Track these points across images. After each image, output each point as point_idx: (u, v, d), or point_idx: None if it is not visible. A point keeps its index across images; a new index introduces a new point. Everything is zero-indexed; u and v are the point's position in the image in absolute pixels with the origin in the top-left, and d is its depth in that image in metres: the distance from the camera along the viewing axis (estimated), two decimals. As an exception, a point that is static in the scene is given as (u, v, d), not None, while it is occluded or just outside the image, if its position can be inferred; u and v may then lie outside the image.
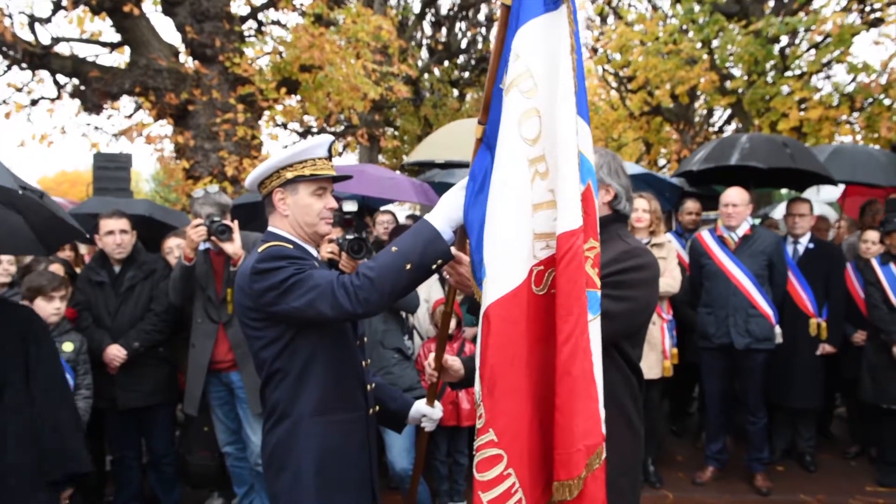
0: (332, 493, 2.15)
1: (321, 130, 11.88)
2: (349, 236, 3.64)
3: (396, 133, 13.06)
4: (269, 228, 2.31)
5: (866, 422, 5.38)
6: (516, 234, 1.99)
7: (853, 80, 9.58)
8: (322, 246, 3.65)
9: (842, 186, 6.94)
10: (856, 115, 9.44)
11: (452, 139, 5.99)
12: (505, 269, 1.97)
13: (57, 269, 4.44)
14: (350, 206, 3.79)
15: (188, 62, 7.16)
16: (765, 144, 5.58)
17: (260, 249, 2.18)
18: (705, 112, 14.45)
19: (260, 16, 8.55)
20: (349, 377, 2.25)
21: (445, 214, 2.05)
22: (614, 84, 15.10)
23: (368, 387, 2.33)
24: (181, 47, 7.33)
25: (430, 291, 4.80)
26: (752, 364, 4.74)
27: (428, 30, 14.14)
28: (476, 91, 15.15)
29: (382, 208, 5.46)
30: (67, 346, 3.91)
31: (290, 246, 2.20)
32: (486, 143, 2.13)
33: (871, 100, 9.09)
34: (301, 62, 7.21)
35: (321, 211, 2.27)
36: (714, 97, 10.98)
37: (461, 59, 14.18)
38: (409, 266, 1.98)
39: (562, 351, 1.87)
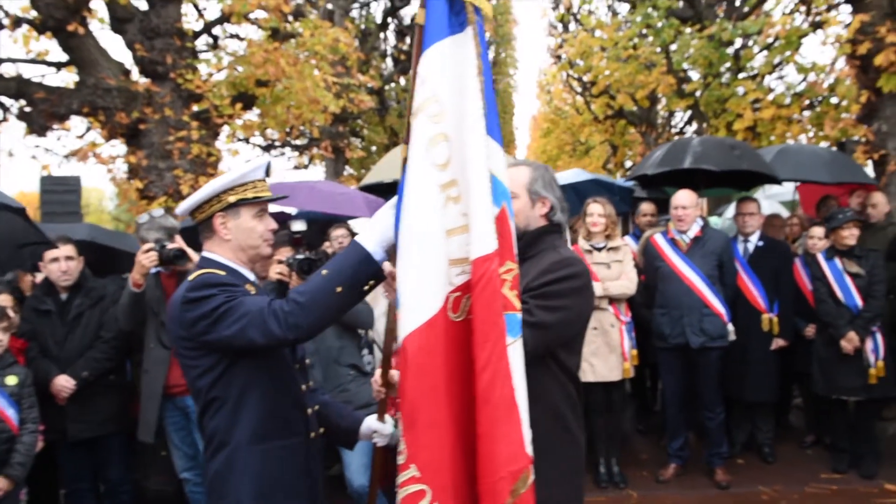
0: None
1: (284, 144, 11.87)
2: (299, 256, 3.64)
3: (363, 144, 13.05)
4: (204, 254, 2.26)
5: (819, 412, 5.53)
6: (430, 262, 1.95)
7: (803, 80, 9.85)
8: (271, 266, 3.64)
9: (793, 185, 7.12)
10: (806, 113, 9.68)
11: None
12: (420, 299, 1.94)
13: (4, 300, 4.31)
14: (299, 226, 3.80)
15: (140, 80, 7.07)
16: (715, 147, 5.69)
17: (191, 277, 2.15)
18: (667, 114, 14.68)
19: (216, 30, 8.52)
20: (287, 402, 2.22)
21: (376, 235, 2.02)
22: (578, 89, 15.29)
23: (309, 410, 2.31)
24: (132, 65, 7.25)
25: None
26: (707, 362, 4.83)
27: (392, 39, 14.17)
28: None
29: (341, 222, 5.46)
30: (11, 380, 3.73)
31: (223, 272, 2.17)
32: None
33: (819, 99, 9.33)
34: (256, 77, 7.18)
35: (263, 233, 2.26)
36: (672, 100, 11.18)
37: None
38: (339, 289, 1.96)
39: (480, 378, 1.85)
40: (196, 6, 7.78)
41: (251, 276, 2.32)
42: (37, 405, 3.86)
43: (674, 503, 4.68)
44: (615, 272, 4.85)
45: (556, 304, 2.22)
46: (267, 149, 11.34)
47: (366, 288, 2.02)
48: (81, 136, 7.71)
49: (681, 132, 14.30)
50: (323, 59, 8.00)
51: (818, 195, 6.67)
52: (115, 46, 7.51)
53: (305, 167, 11.26)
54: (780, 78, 11.43)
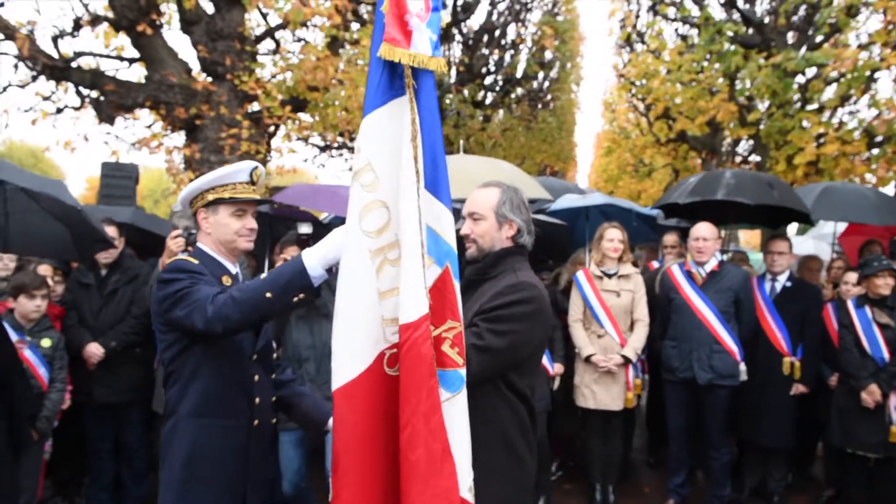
0: (193, 486, 2.31)
1: (341, 146, 12.19)
2: None
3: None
4: (197, 243, 2.52)
5: (836, 465, 5.28)
6: (362, 322, 2.04)
7: (877, 116, 9.41)
8: (277, 265, 3.84)
9: (842, 225, 6.85)
10: (875, 151, 9.26)
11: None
12: (349, 356, 2.03)
13: (45, 269, 4.71)
14: (305, 228, 3.97)
15: (200, 79, 7.47)
16: (750, 181, 5.55)
17: (170, 260, 2.42)
18: (731, 142, 14.30)
19: (281, 34, 8.86)
20: (233, 387, 2.40)
21: (321, 252, 2.16)
22: (642, 109, 15.08)
23: (258, 399, 2.46)
24: (195, 64, 7.67)
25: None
26: (714, 399, 4.72)
27: (457, 51, 14.35)
28: (507, 113, 15.30)
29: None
30: (45, 342, 4.19)
31: (196, 261, 2.40)
32: None
33: (887, 137, 8.90)
34: (306, 83, 7.47)
35: (239, 230, 2.46)
36: (734, 128, 10.89)
37: (488, 79, 14.33)
38: (269, 294, 2.13)
39: (402, 436, 1.93)
40: (261, 11, 8.11)
41: (232, 269, 2.52)
42: (66, 367, 4.27)
43: (667, 540, 4.59)
44: (625, 301, 4.81)
45: (506, 328, 2.26)
46: (324, 149, 11.68)
47: (294, 300, 2.16)
48: (149, 126, 8.19)
49: (745, 161, 13.88)
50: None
51: (860, 237, 6.40)
52: (185, 46, 7.94)
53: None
54: (852, 114, 11.00)
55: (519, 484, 2.39)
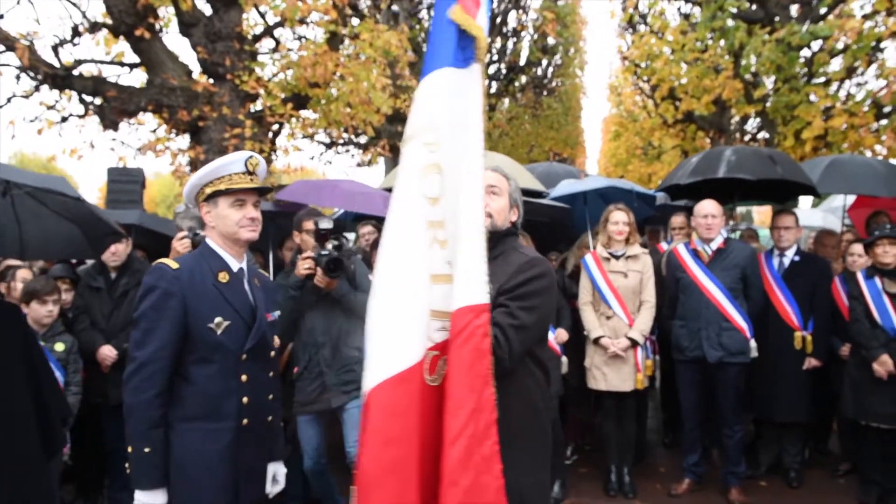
0: (184, 491, 2.36)
1: (348, 142, 12.22)
2: (324, 252, 3.85)
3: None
4: (205, 239, 2.57)
5: (851, 438, 5.24)
6: (410, 305, 1.73)
7: (885, 86, 9.28)
8: (299, 262, 3.91)
9: (851, 197, 6.78)
10: (883, 122, 9.13)
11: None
12: (394, 346, 1.70)
13: (24, 273, 4.67)
14: (325, 224, 4.01)
15: (200, 80, 7.51)
16: (751, 157, 5.51)
17: (156, 262, 2.45)
18: (739, 120, 14.16)
19: (280, 32, 8.89)
20: (219, 390, 2.42)
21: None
22: (648, 92, 14.97)
23: (245, 399, 2.46)
24: (196, 66, 7.71)
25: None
26: (725, 377, 4.70)
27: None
28: (512, 102, 15.26)
29: (369, 219, 5.65)
30: (59, 347, 4.25)
31: (176, 265, 2.43)
32: None
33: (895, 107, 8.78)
34: (306, 79, 7.49)
35: (240, 220, 2.49)
36: (740, 105, 10.78)
37: (491, 68, 14.29)
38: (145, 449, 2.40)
39: (449, 455, 1.59)
40: (258, 10, 8.13)
41: (234, 264, 2.55)
42: (80, 371, 4.33)
43: (683, 519, 4.60)
44: (633, 281, 4.80)
45: (534, 303, 2.31)
46: (330, 146, 11.72)
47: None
48: (154, 131, 8.25)
49: (753, 138, 13.75)
50: (375, 62, 8.22)
51: (868, 209, 6.33)
52: (184, 49, 8.00)
53: (368, 164, 11.58)
54: (860, 85, 10.85)
55: (543, 450, 2.45)
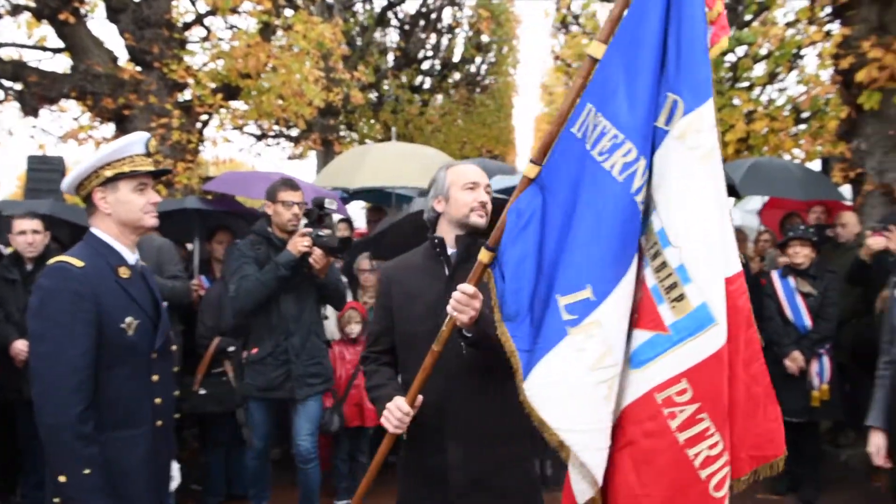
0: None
1: (279, 134, 12.00)
2: (321, 233, 3.80)
3: (356, 137, 13.16)
4: (91, 230, 2.34)
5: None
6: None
7: (804, 92, 9.74)
8: (295, 239, 3.80)
9: (764, 198, 7.11)
10: (802, 126, 9.60)
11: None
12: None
13: None
14: (330, 204, 3.94)
15: (127, 68, 7.24)
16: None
17: (52, 261, 2.25)
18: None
19: (212, 21, 8.64)
20: (133, 393, 2.28)
21: None
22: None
23: (158, 399, 2.36)
24: (122, 53, 7.44)
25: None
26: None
27: (394, 35, 14.24)
28: (445, 98, 15.25)
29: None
30: None
31: (81, 263, 2.22)
32: (539, 184, 2.01)
33: (813, 113, 9.24)
34: (237, 70, 7.32)
35: (144, 206, 2.33)
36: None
37: (425, 64, 14.29)
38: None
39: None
40: (189, -3, 7.90)
41: (130, 257, 2.37)
42: None
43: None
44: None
45: None
46: (260, 138, 11.48)
47: None
48: (77, 119, 7.89)
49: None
50: (308, 54, 8.10)
51: (780, 210, 6.66)
52: (111, 35, 7.67)
53: (299, 157, 11.39)
54: (781, 90, 11.37)
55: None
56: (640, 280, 1.88)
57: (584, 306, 1.83)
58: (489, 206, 2.45)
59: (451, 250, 2.46)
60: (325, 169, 7.25)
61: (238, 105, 8.40)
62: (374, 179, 6.17)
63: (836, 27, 7.41)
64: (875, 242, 4.84)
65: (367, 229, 7.41)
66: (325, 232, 3.81)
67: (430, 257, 2.49)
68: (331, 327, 4.98)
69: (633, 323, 1.87)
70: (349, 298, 5.12)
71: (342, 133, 12.36)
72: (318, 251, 3.79)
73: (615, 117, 1.87)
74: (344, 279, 5.30)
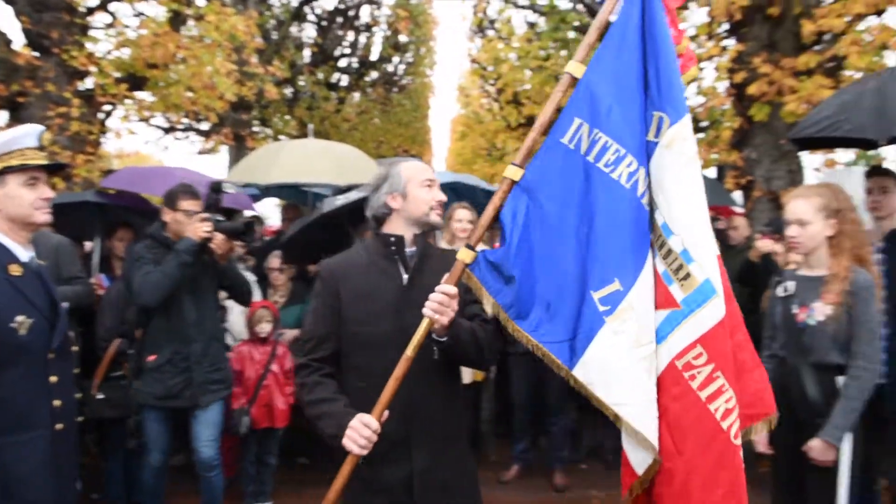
0: None
1: (188, 128, 11.62)
2: (220, 218, 3.69)
3: (270, 133, 12.91)
4: None
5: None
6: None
7: (703, 103, 10.30)
8: (195, 225, 3.66)
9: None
10: (700, 135, 10.14)
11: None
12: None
13: None
14: (228, 188, 3.81)
15: (23, 52, 6.84)
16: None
17: None
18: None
19: (118, 8, 8.30)
20: (29, 396, 2.20)
21: None
22: (494, 95, 15.52)
23: (56, 402, 2.28)
24: (18, 37, 7.01)
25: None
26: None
27: (311, 31, 14.05)
28: (362, 96, 15.18)
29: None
30: None
31: None
32: (524, 187, 2.21)
33: (710, 122, 9.78)
34: (144, 59, 7.05)
35: (34, 201, 2.25)
36: (578, 114, 11.47)
37: (342, 62, 14.18)
38: None
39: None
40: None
41: (23, 254, 2.28)
42: None
43: (509, 504, 4.87)
44: (472, 279, 4.99)
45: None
46: (168, 131, 11.07)
47: None
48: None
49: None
50: (220, 46, 7.89)
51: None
52: (5, 17, 7.20)
53: (209, 152, 11.06)
54: (685, 100, 11.92)
55: None
56: (652, 269, 2.21)
57: (615, 297, 2.14)
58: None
59: (408, 249, 2.36)
60: (238, 164, 7.08)
61: (144, 96, 8.08)
62: (289, 175, 6.07)
63: (731, 43, 7.87)
64: (763, 245, 5.18)
65: (283, 227, 7.31)
66: (222, 218, 3.73)
67: (384, 256, 2.35)
68: (238, 326, 4.90)
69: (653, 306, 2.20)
70: (258, 297, 5.06)
71: (255, 128, 12.09)
72: (219, 236, 3.71)
73: (615, 134, 2.20)
74: (254, 277, 5.23)
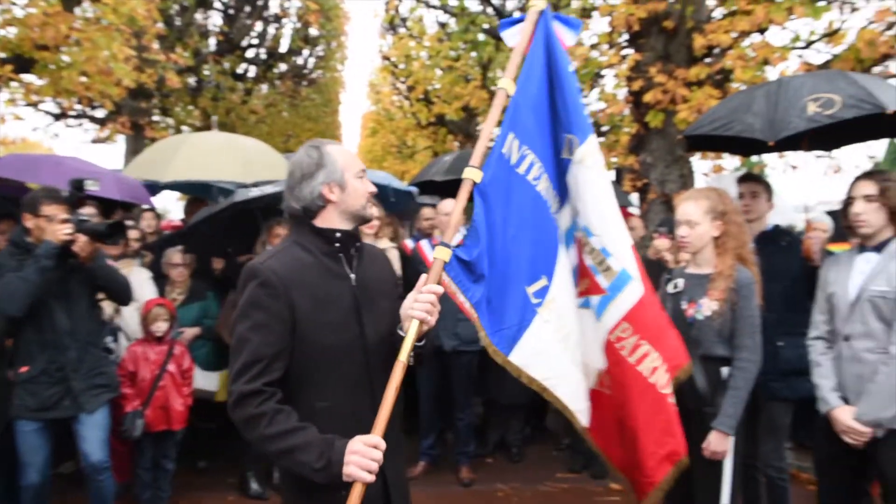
0: None
1: (81, 114, 10.99)
2: (83, 217, 3.49)
3: (171, 123, 12.39)
4: None
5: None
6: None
7: (603, 109, 10.72)
8: (55, 226, 3.44)
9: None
10: (601, 139, 10.55)
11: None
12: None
13: None
14: (92, 186, 3.57)
15: None
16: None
17: None
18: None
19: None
20: None
21: None
22: (405, 92, 15.56)
23: None
24: None
25: (140, 292, 4.62)
26: (459, 364, 5.13)
27: (217, 18, 13.58)
28: (270, 88, 14.82)
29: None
30: None
31: None
32: (480, 189, 2.38)
33: (610, 127, 10.21)
34: (32, 41, 6.62)
35: None
36: (485, 113, 11.73)
37: (250, 52, 13.81)
38: None
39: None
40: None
41: None
42: None
43: (415, 500, 4.88)
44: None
45: None
46: (59, 117, 10.42)
47: None
48: None
49: (498, 145, 14.92)
50: (118, 30, 7.51)
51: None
52: None
53: (104, 141, 10.48)
54: (586, 106, 12.39)
55: None
56: (583, 263, 2.72)
57: (543, 290, 2.58)
58: None
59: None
60: (135, 159, 6.74)
61: (32, 79, 7.58)
62: (190, 173, 5.82)
63: (631, 52, 8.23)
64: (661, 243, 5.46)
65: (186, 222, 7.04)
66: (88, 212, 3.55)
67: (327, 254, 2.12)
68: (133, 325, 4.70)
69: (588, 292, 2.74)
70: (155, 295, 4.86)
71: (156, 118, 11.56)
72: (82, 238, 3.53)
73: (539, 154, 2.57)
74: (149, 274, 5.02)
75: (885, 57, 6.28)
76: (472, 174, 2.32)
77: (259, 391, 1.91)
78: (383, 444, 1.90)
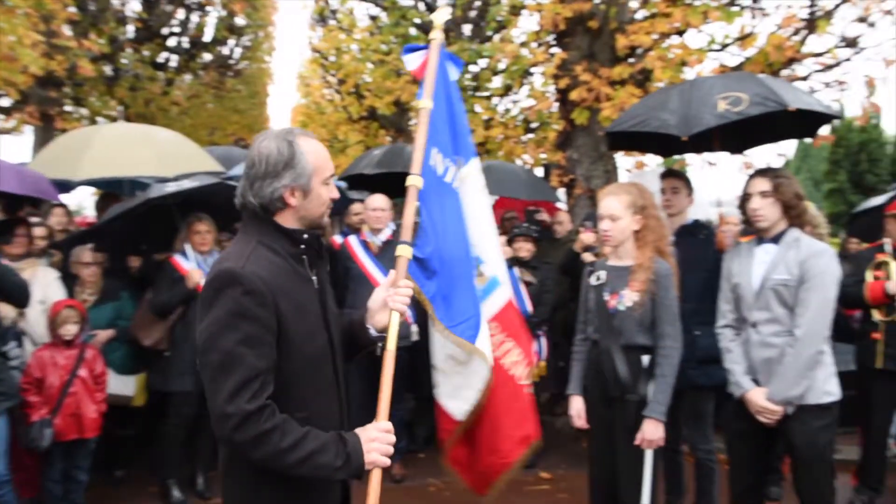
0: None
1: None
2: None
3: (86, 114, 11.79)
4: None
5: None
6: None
7: (532, 106, 10.85)
8: None
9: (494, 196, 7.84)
10: (530, 136, 10.69)
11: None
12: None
13: None
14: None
15: None
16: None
17: None
18: (415, 122, 15.25)
19: None
20: None
21: None
22: (336, 85, 15.33)
23: None
24: None
25: (48, 293, 4.38)
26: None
27: (136, 4, 13.00)
28: (193, 79, 14.32)
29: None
30: None
31: None
32: (422, 194, 2.63)
33: (539, 124, 10.33)
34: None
35: None
36: (416, 109, 11.64)
37: (171, 41, 13.29)
38: None
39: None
40: None
41: None
42: None
43: (344, 496, 4.83)
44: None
45: None
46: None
47: None
48: None
49: (429, 140, 14.92)
50: (26, 14, 7.09)
51: (503, 209, 7.43)
52: None
53: (10, 132, 9.87)
54: (515, 102, 12.55)
55: None
56: None
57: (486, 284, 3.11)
58: None
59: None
60: (41, 154, 6.32)
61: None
62: (103, 170, 5.48)
63: (558, 51, 8.35)
64: (587, 237, 5.57)
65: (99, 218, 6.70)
66: None
67: (293, 256, 1.98)
68: (40, 328, 4.44)
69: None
70: (64, 295, 4.60)
71: (68, 108, 10.98)
72: None
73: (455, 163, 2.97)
74: (57, 274, 4.77)
75: (792, 60, 6.60)
76: (415, 181, 2.54)
77: (264, 406, 1.79)
78: (391, 427, 1.98)
